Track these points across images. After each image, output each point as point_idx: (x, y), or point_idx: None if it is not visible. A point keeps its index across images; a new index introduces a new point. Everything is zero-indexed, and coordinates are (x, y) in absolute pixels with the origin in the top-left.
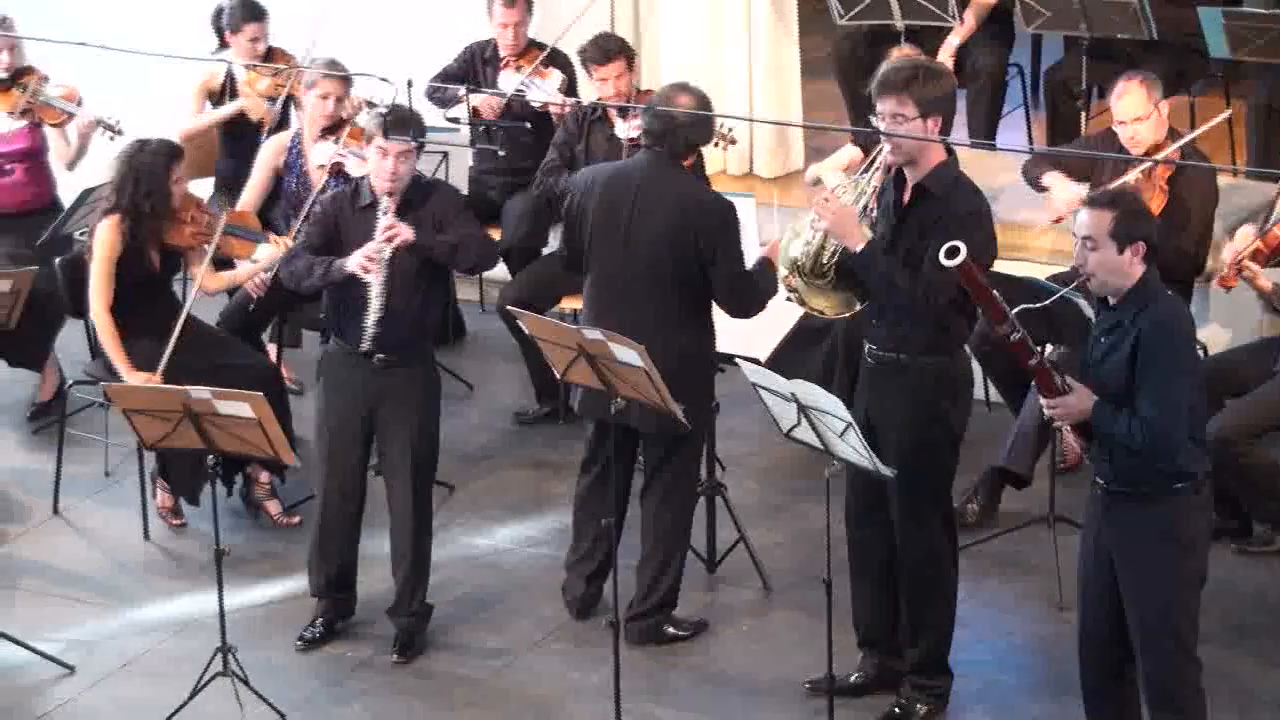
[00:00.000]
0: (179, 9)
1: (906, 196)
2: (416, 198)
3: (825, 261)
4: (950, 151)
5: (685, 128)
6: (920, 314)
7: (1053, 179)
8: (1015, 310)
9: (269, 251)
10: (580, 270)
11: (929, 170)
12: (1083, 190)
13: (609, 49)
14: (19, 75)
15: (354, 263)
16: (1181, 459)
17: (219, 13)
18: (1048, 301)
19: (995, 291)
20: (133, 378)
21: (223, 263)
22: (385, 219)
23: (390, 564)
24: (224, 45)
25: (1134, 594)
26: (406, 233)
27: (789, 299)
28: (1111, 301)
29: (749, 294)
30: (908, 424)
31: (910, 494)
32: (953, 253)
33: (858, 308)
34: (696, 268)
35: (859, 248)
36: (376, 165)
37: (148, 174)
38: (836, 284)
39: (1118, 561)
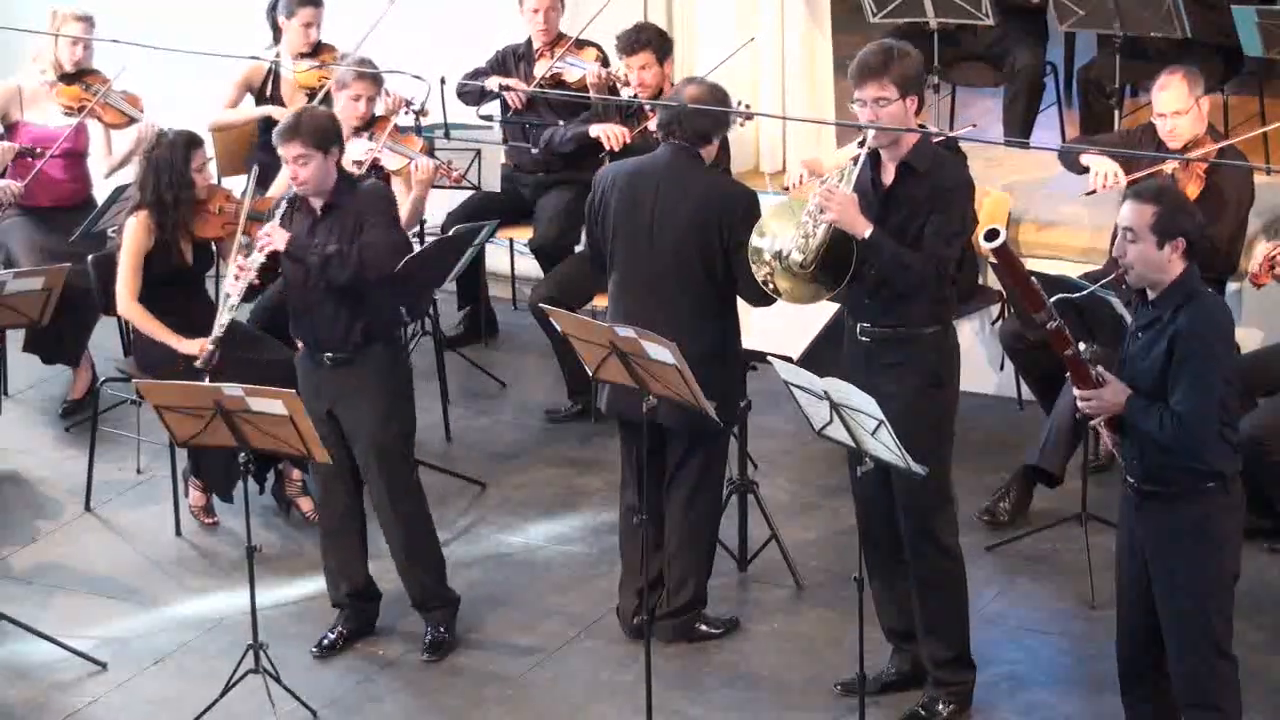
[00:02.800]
0: (224, 4)
1: (888, 177)
2: (343, 199)
3: (818, 254)
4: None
5: (699, 116)
6: (926, 289)
7: (1091, 157)
8: (1052, 300)
9: None
10: (605, 269)
11: (909, 148)
12: (1119, 166)
13: (636, 40)
14: (84, 74)
15: (230, 271)
16: (1212, 457)
17: (274, 3)
18: (1084, 294)
19: (1034, 280)
20: (186, 347)
21: None
22: (269, 225)
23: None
24: (278, 36)
25: (1166, 592)
26: (279, 241)
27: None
28: (1150, 296)
29: None
30: (908, 394)
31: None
32: (992, 235)
33: (824, 300)
34: (722, 260)
35: (866, 233)
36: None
37: (167, 165)
38: (813, 276)
39: (1150, 559)
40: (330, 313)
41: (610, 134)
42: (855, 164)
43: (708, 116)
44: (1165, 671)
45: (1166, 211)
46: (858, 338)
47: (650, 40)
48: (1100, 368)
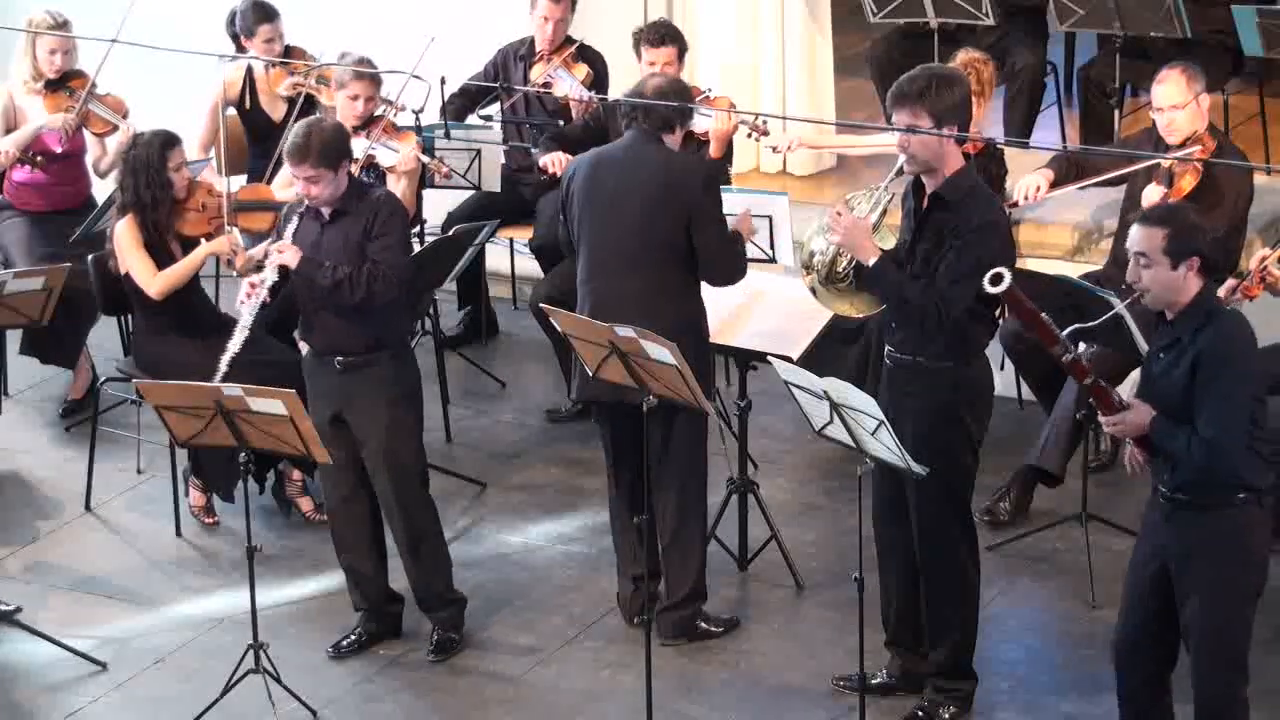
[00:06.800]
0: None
1: (925, 203)
2: (352, 205)
3: (841, 270)
4: (967, 158)
5: (660, 103)
6: (927, 324)
7: (1035, 171)
8: (1067, 331)
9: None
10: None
11: (945, 178)
12: (1044, 180)
13: (664, 33)
14: (69, 79)
15: (242, 288)
16: (1244, 471)
17: (231, 18)
18: (1098, 322)
19: (1044, 315)
20: (218, 245)
21: None
22: (281, 239)
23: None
24: (240, 50)
25: (1193, 603)
26: (290, 258)
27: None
28: (1169, 316)
29: (729, 255)
30: (924, 427)
31: (928, 497)
32: (997, 280)
33: (883, 306)
34: (684, 233)
35: (870, 261)
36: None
37: (144, 165)
38: (844, 291)
39: (1177, 569)
40: (341, 317)
41: (554, 161)
42: (884, 189)
43: (673, 106)
44: (1164, 682)
45: (1177, 232)
46: (885, 360)
47: (676, 36)
48: (1123, 394)
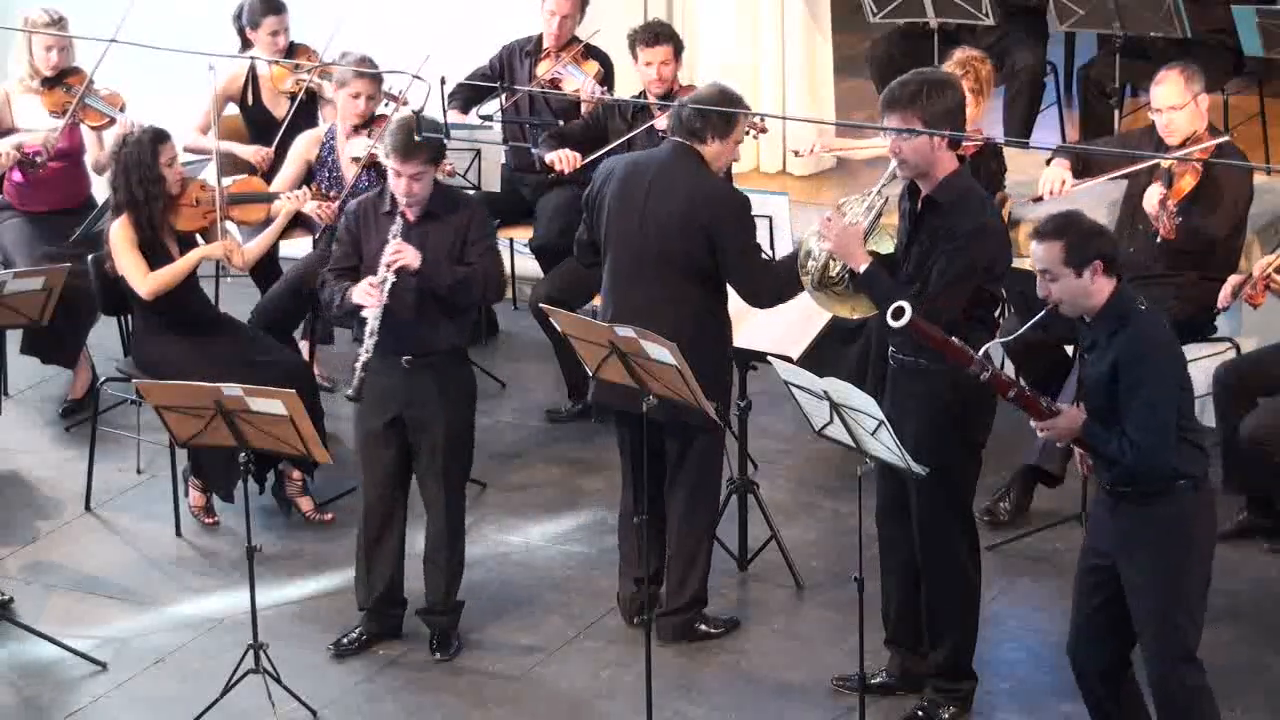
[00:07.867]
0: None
1: (920, 205)
2: (441, 208)
3: (834, 274)
4: (962, 160)
5: (701, 115)
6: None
7: (1054, 165)
8: (983, 350)
9: (285, 207)
10: (596, 259)
11: (938, 182)
12: (1067, 173)
13: (659, 32)
14: (64, 76)
15: (358, 293)
16: (1179, 463)
17: (239, 12)
18: (1012, 337)
19: (954, 339)
20: (213, 251)
21: None
22: (394, 241)
23: (421, 561)
24: (246, 45)
25: (1137, 592)
26: (412, 259)
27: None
28: (1087, 319)
29: (762, 282)
30: (926, 427)
31: (929, 498)
32: (898, 314)
33: (853, 317)
34: (709, 256)
35: (861, 268)
36: (392, 182)
37: (136, 163)
38: (840, 293)
39: (1121, 560)
40: (421, 318)
41: (562, 158)
42: (878, 194)
43: (699, 115)
44: (1123, 676)
45: (1074, 241)
46: (889, 361)
47: (671, 35)
48: (1049, 399)
